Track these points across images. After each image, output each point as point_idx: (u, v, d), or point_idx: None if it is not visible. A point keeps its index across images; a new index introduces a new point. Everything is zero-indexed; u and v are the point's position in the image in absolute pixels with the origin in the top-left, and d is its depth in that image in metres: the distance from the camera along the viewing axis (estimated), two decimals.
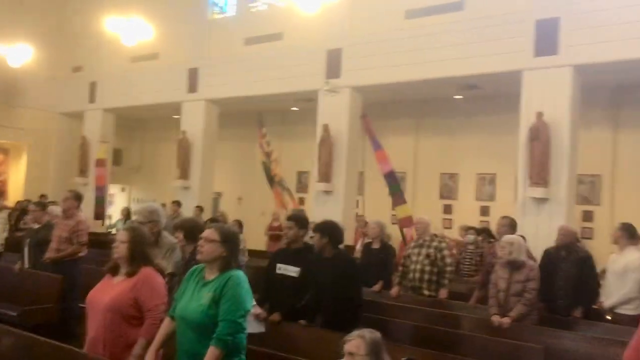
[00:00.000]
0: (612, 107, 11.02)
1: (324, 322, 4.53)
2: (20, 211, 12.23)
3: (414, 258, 6.67)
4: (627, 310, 5.59)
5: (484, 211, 11.80)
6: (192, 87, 13.71)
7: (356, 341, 3.06)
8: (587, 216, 11.21)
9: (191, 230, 4.51)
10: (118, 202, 17.96)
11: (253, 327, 3.93)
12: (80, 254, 6.66)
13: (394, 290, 6.70)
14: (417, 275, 6.58)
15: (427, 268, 6.56)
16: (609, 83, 10.44)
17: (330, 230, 4.69)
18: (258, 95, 12.62)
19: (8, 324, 4.79)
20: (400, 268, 6.90)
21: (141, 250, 3.48)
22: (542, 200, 9.06)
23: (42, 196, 12.67)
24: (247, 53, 12.94)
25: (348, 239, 11.21)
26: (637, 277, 5.57)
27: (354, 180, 11.77)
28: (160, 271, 3.56)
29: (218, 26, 14.07)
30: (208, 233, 3.24)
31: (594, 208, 11.24)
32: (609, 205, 11.11)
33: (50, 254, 6.70)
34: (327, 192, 11.38)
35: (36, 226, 7.35)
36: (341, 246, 4.95)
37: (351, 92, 11.32)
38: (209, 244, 3.19)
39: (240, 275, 3.19)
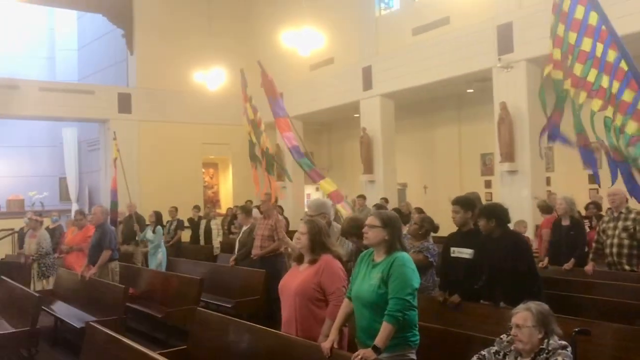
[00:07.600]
0: None
1: (504, 299, 4.54)
2: (231, 217, 13.79)
3: (609, 232, 6.29)
4: None
5: None
6: (367, 85, 14.20)
7: (523, 314, 3.11)
8: None
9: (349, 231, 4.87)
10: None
11: None
12: (282, 249, 7.32)
13: (588, 267, 6.37)
14: (615, 250, 6.19)
15: (626, 242, 6.15)
16: None
17: (494, 212, 4.70)
18: (431, 83, 12.65)
19: (225, 313, 5.58)
20: (593, 244, 6.53)
21: (319, 240, 3.88)
22: None
23: (248, 201, 14.04)
24: (416, 43, 13.04)
25: (538, 217, 10.75)
26: None
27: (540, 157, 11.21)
28: (338, 257, 3.93)
29: (385, 22, 14.37)
30: (370, 220, 3.53)
31: None
32: None
33: (255, 251, 7.58)
34: (512, 172, 11.00)
35: (244, 228, 8.31)
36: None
37: (527, 65, 10.80)
38: (371, 230, 3.48)
39: (405, 256, 3.42)
